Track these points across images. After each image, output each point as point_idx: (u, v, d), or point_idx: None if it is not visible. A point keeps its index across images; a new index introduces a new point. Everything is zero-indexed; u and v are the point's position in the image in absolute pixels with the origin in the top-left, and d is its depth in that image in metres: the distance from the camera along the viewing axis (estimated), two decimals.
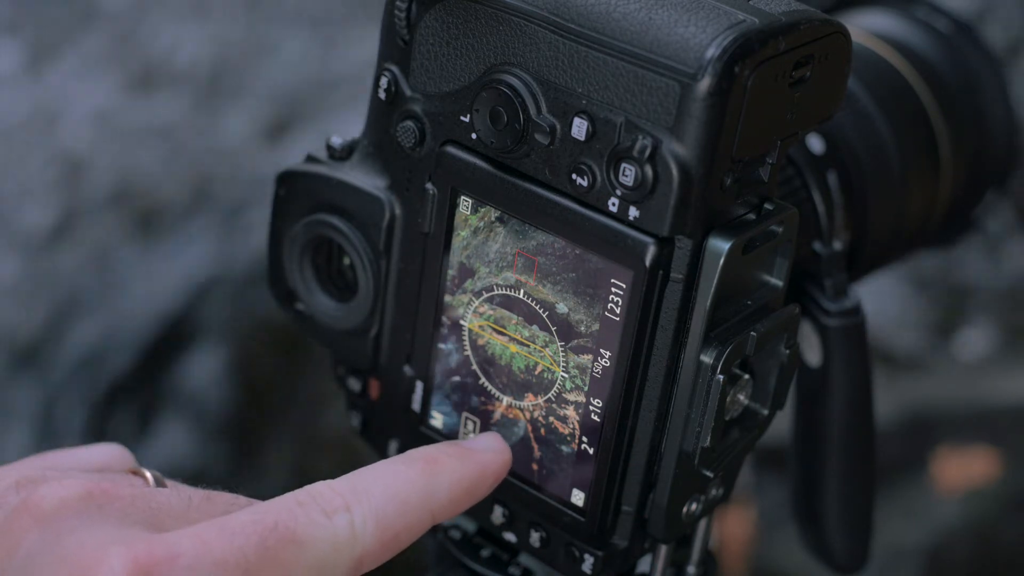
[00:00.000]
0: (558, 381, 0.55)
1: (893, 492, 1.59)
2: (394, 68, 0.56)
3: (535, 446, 0.56)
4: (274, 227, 0.61)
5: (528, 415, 0.56)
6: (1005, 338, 1.65)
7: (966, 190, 0.77)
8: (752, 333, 0.53)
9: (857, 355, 0.67)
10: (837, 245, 0.66)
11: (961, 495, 1.60)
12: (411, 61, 0.55)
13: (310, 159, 0.60)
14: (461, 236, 0.55)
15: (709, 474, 0.54)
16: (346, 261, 0.60)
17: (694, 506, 0.56)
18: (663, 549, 0.60)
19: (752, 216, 0.53)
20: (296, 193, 0.60)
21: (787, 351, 0.56)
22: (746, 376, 0.55)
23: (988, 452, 1.63)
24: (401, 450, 0.61)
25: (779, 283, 0.55)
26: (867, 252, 0.70)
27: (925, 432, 1.64)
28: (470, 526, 0.62)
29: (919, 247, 0.77)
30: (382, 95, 0.57)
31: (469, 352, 0.57)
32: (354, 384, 0.62)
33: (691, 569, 0.62)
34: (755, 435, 0.57)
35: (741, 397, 0.55)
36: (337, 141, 0.59)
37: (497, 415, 0.57)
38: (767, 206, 0.54)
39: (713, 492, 0.57)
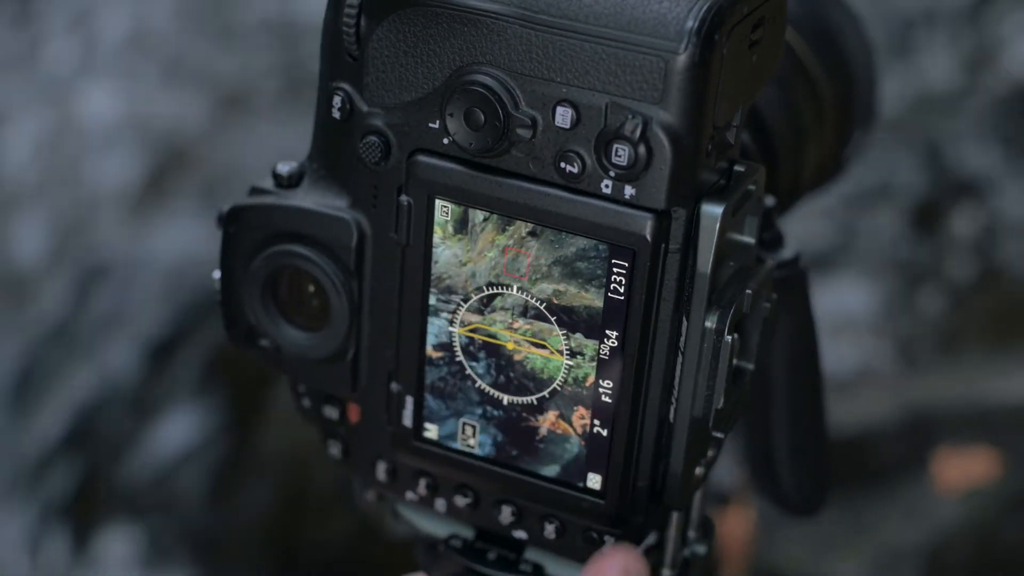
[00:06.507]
0: (562, 370, 0.55)
1: (893, 492, 1.59)
2: (345, 85, 0.55)
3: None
4: (226, 267, 0.59)
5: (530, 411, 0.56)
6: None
7: (839, 133, 0.78)
8: (747, 291, 0.54)
9: (799, 302, 0.69)
10: (769, 201, 0.66)
11: (961, 495, 1.60)
12: (364, 76, 0.54)
13: (256, 191, 0.58)
14: (443, 243, 0.55)
15: (720, 435, 0.55)
16: (310, 288, 0.59)
17: (700, 470, 0.57)
18: (675, 517, 0.60)
19: (723, 180, 0.54)
20: (248, 228, 0.58)
21: (767, 305, 0.57)
22: (736, 335, 0.55)
23: (988, 452, 1.63)
24: (390, 470, 0.60)
25: (751, 241, 0.56)
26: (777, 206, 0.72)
27: (925, 432, 1.64)
28: (467, 532, 0.62)
29: (806, 193, 0.79)
30: (336, 115, 0.55)
31: (461, 357, 0.56)
32: (331, 412, 0.61)
33: (692, 533, 0.62)
34: (747, 391, 0.58)
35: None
36: (284, 168, 0.58)
37: (497, 415, 0.57)
38: (737, 168, 0.54)
39: (710, 453, 0.58)
